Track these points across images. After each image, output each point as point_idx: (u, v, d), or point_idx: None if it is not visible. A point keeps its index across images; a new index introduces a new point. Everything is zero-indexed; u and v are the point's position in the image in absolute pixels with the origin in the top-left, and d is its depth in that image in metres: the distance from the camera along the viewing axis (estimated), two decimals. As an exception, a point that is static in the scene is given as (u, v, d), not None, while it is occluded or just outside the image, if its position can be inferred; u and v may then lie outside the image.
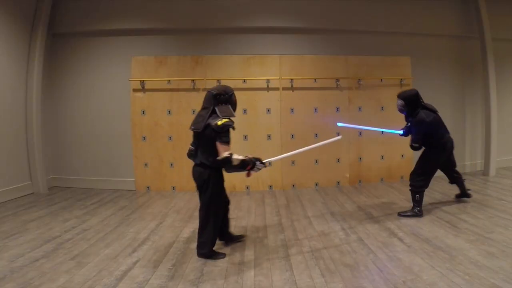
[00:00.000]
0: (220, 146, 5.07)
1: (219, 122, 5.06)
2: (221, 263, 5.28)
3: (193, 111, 9.57)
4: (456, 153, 10.10)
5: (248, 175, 5.31)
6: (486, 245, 5.57)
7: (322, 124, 9.84)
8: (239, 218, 7.40)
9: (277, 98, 9.86)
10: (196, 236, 5.59)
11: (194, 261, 5.32)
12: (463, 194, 8.13)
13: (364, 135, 10.19)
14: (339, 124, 7.94)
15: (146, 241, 6.15)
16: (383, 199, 8.47)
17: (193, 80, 9.65)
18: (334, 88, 10.03)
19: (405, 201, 8.18)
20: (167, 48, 9.95)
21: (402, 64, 10.47)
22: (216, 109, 5.26)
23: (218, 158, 5.06)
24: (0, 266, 5.10)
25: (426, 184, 7.25)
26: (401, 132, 7.56)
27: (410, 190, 7.32)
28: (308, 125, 9.93)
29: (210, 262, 5.30)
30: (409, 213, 7.16)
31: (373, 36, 10.42)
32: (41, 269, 5.01)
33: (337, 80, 9.97)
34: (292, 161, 9.94)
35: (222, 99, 5.37)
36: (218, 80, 9.59)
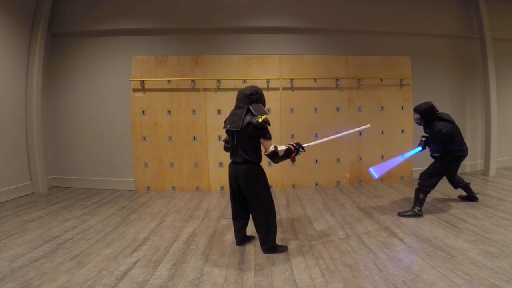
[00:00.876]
0: (265, 142, 5.42)
1: (260, 120, 5.33)
2: (221, 262, 5.28)
3: (193, 111, 9.60)
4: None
5: (293, 160, 5.64)
6: (486, 245, 5.58)
7: (322, 124, 9.84)
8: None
9: (277, 98, 9.86)
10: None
11: (194, 261, 5.33)
12: (469, 198, 8.15)
13: (364, 135, 10.17)
14: (373, 173, 7.37)
15: (146, 241, 6.15)
16: (383, 199, 8.47)
17: (193, 80, 9.65)
18: (334, 88, 10.03)
19: (405, 201, 8.21)
20: (167, 48, 9.95)
21: (402, 64, 10.47)
22: (251, 107, 5.53)
23: (266, 153, 5.41)
24: (0, 266, 5.10)
25: (434, 186, 7.32)
26: (419, 148, 7.85)
27: (416, 188, 7.33)
28: (308, 125, 9.92)
29: (209, 261, 5.30)
30: (409, 213, 7.17)
31: (373, 36, 10.43)
32: (41, 269, 5.01)
33: (337, 80, 9.97)
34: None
35: (254, 98, 5.62)
36: (218, 80, 9.62)
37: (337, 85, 10.00)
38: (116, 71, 9.96)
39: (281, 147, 5.40)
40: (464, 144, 7.43)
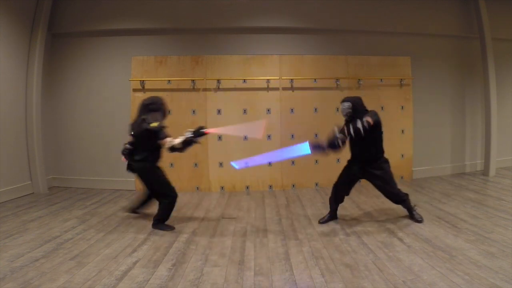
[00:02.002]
0: (161, 141, 6.41)
1: (152, 125, 6.32)
2: (221, 262, 5.29)
3: (193, 111, 9.62)
4: (456, 153, 10.12)
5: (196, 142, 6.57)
6: (486, 245, 5.58)
7: (322, 124, 9.85)
8: (239, 218, 7.39)
9: (277, 98, 9.86)
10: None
11: (194, 261, 5.32)
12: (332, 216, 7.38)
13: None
14: (234, 165, 6.80)
15: (146, 241, 6.14)
16: (383, 199, 8.42)
17: (193, 80, 9.65)
18: (334, 88, 10.02)
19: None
20: (167, 48, 9.96)
21: (402, 64, 10.47)
22: (147, 116, 6.49)
23: (166, 147, 6.47)
24: (0, 266, 5.10)
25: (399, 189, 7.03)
26: (308, 151, 6.80)
27: (399, 203, 7.03)
28: (308, 125, 9.92)
29: (210, 261, 5.30)
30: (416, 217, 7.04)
31: (373, 36, 10.43)
32: (41, 269, 5.01)
33: (337, 80, 9.97)
34: (292, 161, 9.96)
35: (152, 107, 6.59)
36: (218, 80, 9.62)
37: (337, 85, 9.99)
38: (116, 71, 9.96)
39: (176, 140, 6.34)
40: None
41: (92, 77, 10.07)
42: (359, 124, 6.19)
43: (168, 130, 6.41)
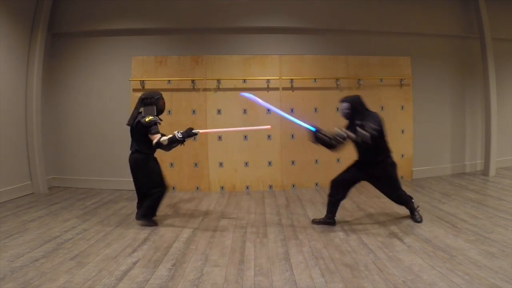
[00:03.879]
0: (151, 136, 6.57)
1: (146, 119, 6.52)
2: (221, 262, 5.29)
3: (193, 111, 9.62)
4: (456, 153, 10.11)
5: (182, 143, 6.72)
6: (486, 245, 5.58)
7: (322, 124, 9.83)
8: (239, 218, 7.39)
9: (277, 98, 9.85)
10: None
11: (194, 261, 5.32)
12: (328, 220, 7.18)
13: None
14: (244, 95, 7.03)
15: (146, 241, 6.15)
16: (383, 199, 8.42)
17: (193, 80, 9.65)
18: (334, 88, 10.02)
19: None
20: (167, 48, 9.96)
21: (402, 64, 10.46)
22: (142, 109, 6.78)
23: (153, 143, 6.59)
24: (0, 266, 5.10)
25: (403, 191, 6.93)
26: (313, 128, 6.80)
27: (401, 204, 6.99)
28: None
29: (210, 261, 5.30)
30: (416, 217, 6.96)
31: (373, 36, 10.43)
32: (41, 269, 5.01)
33: (337, 80, 9.97)
34: (292, 161, 9.96)
35: (147, 102, 6.79)
36: (218, 80, 9.62)
37: (337, 85, 9.99)
38: (116, 71, 9.96)
39: (164, 138, 6.48)
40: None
41: (92, 77, 10.07)
42: (366, 134, 5.98)
43: (161, 127, 6.57)
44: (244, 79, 9.77)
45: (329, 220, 6.87)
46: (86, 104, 10.10)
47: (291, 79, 9.88)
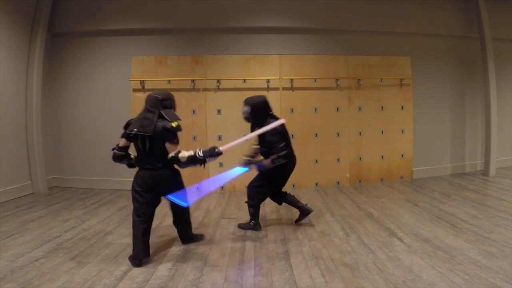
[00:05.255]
0: (170, 147, 5.40)
1: (174, 124, 5.36)
2: (221, 262, 5.30)
3: (193, 111, 9.61)
4: (456, 153, 10.10)
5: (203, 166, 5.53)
6: (486, 245, 5.59)
7: (322, 124, 9.84)
8: (239, 218, 7.37)
9: (277, 98, 9.83)
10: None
11: (194, 261, 5.34)
12: (302, 214, 7.05)
13: (364, 134, 10.21)
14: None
15: (146, 241, 6.14)
16: (383, 199, 8.46)
17: (193, 80, 9.64)
18: (334, 88, 10.03)
19: (405, 201, 8.20)
20: (167, 48, 9.95)
21: (402, 64, 10.46)
22: (163, 113, 5.48)
23: (169, 156, 5.39)
24: (0, 266, 5.11)
25: (263, 199, 6.80)
26: (245, 169, 6.54)
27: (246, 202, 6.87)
28: (308, 125, 9.91)
29: (209, 261, 5.31)
30: (244, 226, 6.83)
31: (373, 36, 10.42)
32: (41, 269, 5.02)
33: (337, 80, 9.97)
34: (292, 161, 9.90)
35: (167, 104, 5.62)
36: (218, 80, 9.61)
37: (337, 85, 9.99)
38: (116, 71, 9.96)
39: (184, 153, 5.31)
40: (292, 151, 6.75)
41: (92, 77, 10.06)
42: (280, 161, 6.21)
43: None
44: (244, 79, 9.76)
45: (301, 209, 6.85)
46: (86, 104, 10.10)
47: (291, 79, 9.87)
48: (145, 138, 5.46)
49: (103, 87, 10.05)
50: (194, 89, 9.70)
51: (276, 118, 6.42)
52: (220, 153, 5.45)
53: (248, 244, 6.01)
